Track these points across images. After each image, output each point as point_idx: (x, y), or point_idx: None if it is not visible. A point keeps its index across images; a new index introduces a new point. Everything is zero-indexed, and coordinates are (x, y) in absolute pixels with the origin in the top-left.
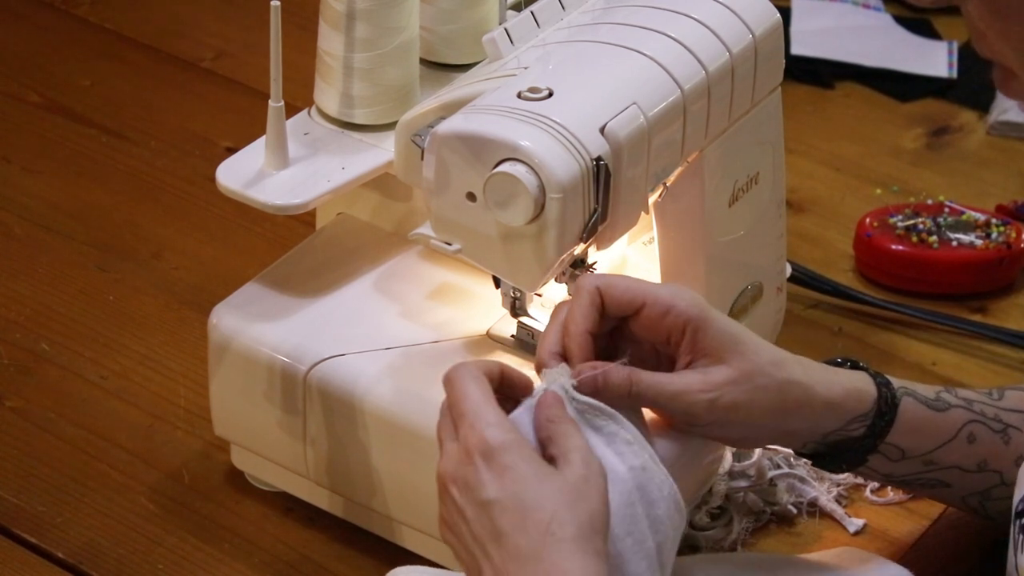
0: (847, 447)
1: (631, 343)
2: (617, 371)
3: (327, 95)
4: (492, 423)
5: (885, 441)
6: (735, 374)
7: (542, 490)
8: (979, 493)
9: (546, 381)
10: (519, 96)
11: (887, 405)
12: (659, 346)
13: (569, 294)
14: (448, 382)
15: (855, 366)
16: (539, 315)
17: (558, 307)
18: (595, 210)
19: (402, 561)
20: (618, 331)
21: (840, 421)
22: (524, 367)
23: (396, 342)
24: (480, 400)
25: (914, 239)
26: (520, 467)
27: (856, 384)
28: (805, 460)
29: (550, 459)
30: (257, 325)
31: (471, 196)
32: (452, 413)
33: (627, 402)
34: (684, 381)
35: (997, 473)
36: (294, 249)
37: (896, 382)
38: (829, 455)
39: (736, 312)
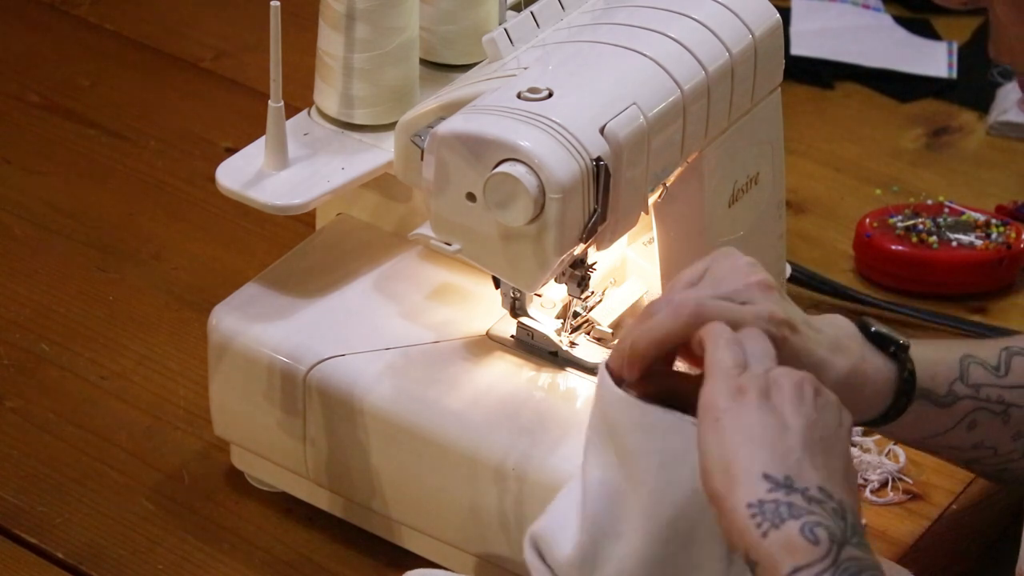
0: None
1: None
2: None
3: (327, 95)
4: None
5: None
6: None
7: None
8: (967, 460)
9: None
10: (519, 96)
11: (895, 412)
12: None
13: (571, 293)
14: None
15: (899, 349)
16: (539, 315)
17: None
18: (595, 210)
19: (402, 561)
20: None
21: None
22: (524, 368)
23: (396, 342)
24: None
25: (914, 239)
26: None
27: (878, 393)
28: None
29: None
30: (257, 325)
31: (471, 196)
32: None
33: None
34: None
35: (991, 448)
36: (294, 249)
37: (921, 374)
38: None
39: None
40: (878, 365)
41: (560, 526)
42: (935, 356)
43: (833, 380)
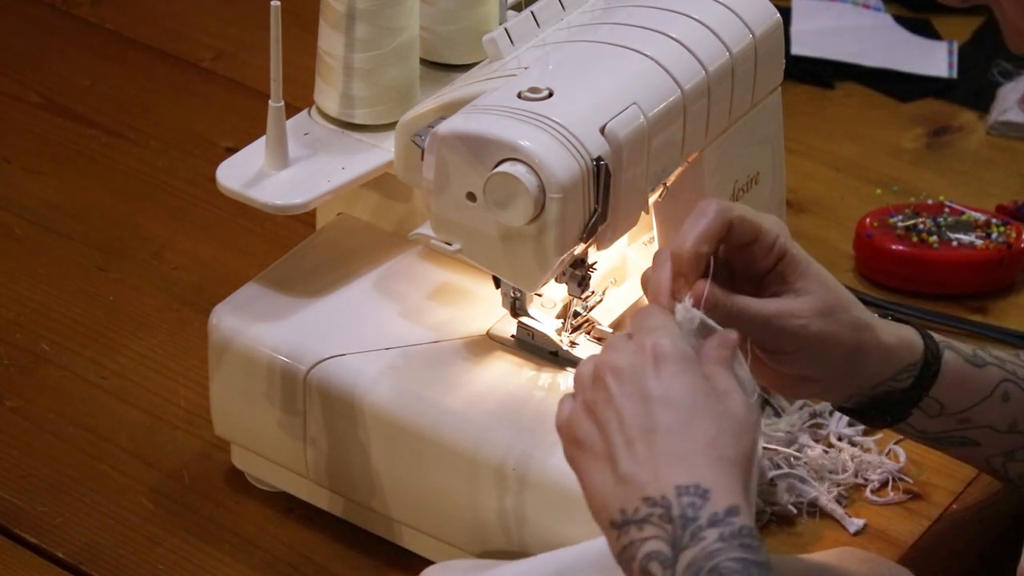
0: (892, 399)
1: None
2: (721, 292)
3: (327, 95)
4: (676, 336)
5: (928, 395)
6: (822, 305)
7: (710, 406)
8: (1004, 454)
9: (686, 316)
10: (519, 96)
11: (933, 356)
12: (742, 272)
13: (571, 293)
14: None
15: (896, 319)
16: (539, 315)
17: (661, 252)
18: (595, 210)
19: (402, 561)
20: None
21: (893, 369)
22: (524, 367)
23: (396, 342)
24: (668, 317)
25: (914, 239)
26: (692, 379)
27: (906, 334)
28: (805, 460)
29: None
30: (257, 325)
31: (471, 196)
32: (637, 315)
33: (727, 323)
34: (778, 306)
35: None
36: (294, 249)
37: (936, 336)
38: (873, 408)
39: None
40: (891, 327)
41: None
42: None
43: (834, 294)
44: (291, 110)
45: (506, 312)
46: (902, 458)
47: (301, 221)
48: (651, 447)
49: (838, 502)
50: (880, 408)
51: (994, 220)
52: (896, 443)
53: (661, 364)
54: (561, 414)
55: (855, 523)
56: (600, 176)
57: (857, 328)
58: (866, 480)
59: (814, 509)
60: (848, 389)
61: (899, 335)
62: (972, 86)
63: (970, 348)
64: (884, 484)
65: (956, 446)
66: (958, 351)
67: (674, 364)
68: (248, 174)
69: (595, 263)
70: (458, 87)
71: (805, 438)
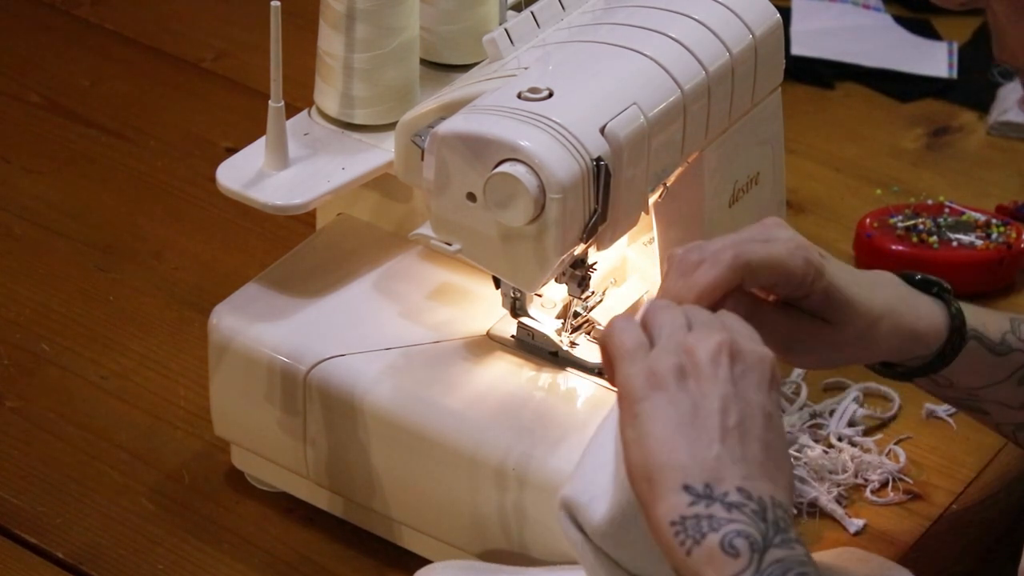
0: (900, 368)
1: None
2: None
3: (327, 95)
4: None
5: (938, 374)
6: (857, 333)
7: (786, 445)
8: (1015, 425)
9: None
10: (519, 96)
11: (951, 350)
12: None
13: (571, 293)
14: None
15: (942, 290)
16: (539, 315)
17: (685, 263)
18: (595, 210)
19: (402, 561)
20: None
21: (905, 356)
22: (524, 367)
23: (396, 342)
24: None
25: (914, 239)
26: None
27: (931, 326)
28: (805, 461)
29: None
30: (257, 325)
31: (471, 196)
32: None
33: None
34: (817, 343)
35: None
36: (294, 249)
37: (970, 319)
38: (882, 364)
39: None
40: (926, 304)
41: (592, 494)
42: (982, 311)
43: (869, 318)
44: (291, 110)
45: (506, 312)
46: (902, 458)
47: (301, 221)
48: (748, 448)
49: (838, 502)
50: (888, 367)
51: (994, 220)
52: (896, 443)
53: (773, 383)
54: (628, 340)
55: (855, 523)
56: (600, 176)
57: (875, 343)
58: (866, 480)
59: (814, 509)
60: (858, 362)
61: (923, 330)
62: (972, 86)
63: (1001, 333)
64: (884, 484)
65: (965, 410)
66: (985, 341)
67: (776, 390)
68: (248, 174)
69: (595, 263)
70: (458, 87)
71: (805, 438)
